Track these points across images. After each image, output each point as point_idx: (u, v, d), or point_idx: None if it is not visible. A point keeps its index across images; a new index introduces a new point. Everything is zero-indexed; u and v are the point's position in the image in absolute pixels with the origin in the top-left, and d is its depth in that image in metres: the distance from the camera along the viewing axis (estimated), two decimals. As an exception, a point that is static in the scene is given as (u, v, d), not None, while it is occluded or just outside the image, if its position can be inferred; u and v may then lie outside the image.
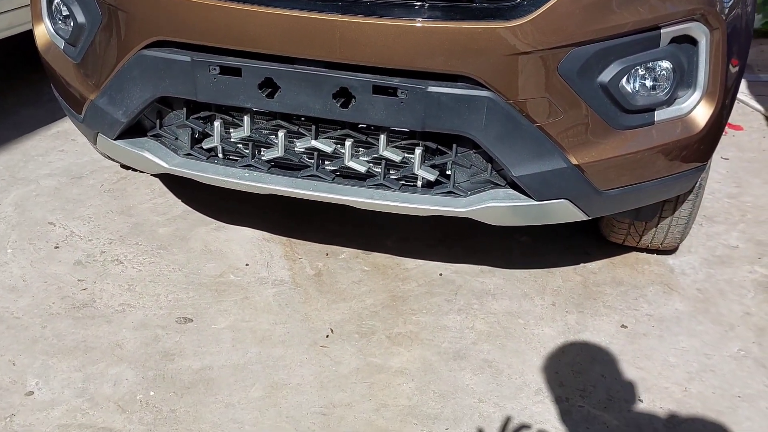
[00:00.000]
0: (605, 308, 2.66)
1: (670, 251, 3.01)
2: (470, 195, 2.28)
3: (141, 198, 3.18)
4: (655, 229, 2.80)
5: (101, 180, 3.30)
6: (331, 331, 2.46)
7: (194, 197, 3.16)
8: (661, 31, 2.09)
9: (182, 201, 3.17)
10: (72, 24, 2.42)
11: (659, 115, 2.22)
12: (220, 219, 3.06)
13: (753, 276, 2.90)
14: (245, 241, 2.93)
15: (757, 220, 3.34)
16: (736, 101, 5.22)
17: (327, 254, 2.88)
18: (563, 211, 2.27)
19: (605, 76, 2.09)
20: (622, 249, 3.01)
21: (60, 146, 3.64)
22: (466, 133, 2.12)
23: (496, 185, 2.27)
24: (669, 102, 2.21)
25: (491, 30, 1.99)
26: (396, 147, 2.27)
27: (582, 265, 2.93)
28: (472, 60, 2.02)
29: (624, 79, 2.13)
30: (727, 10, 2.18)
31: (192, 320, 2.47)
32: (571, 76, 2.06)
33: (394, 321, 2.52)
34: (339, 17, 2.03)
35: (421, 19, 2.01)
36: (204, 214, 3.09)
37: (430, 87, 2.06)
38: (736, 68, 2.35)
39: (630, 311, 2.65)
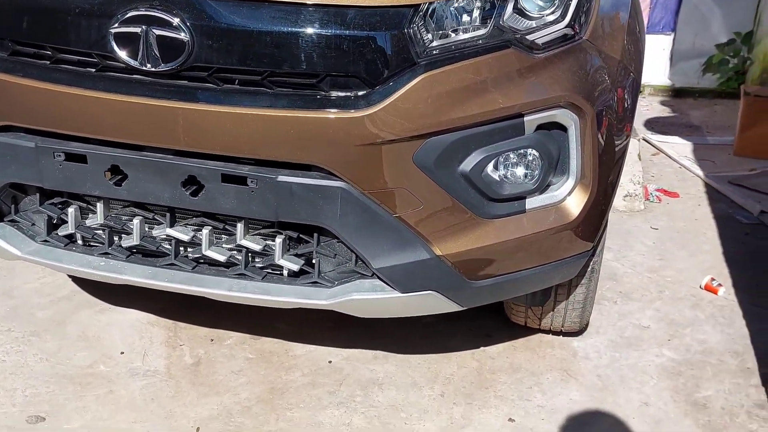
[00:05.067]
0: (496, 399, 2.53)
1: (576, 333, 2.89)
2: (337, 285, 2.16)
3: (28, 277, 3.05)
4: (552, 312, 2.69)
5: (-8, 257, 3.17)
6: (197, 430, 2.31)
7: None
8: (525, 119, 2.01)
9: (73, 280, 3.04)
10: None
11: (531, 203, 2.13)
12: (107, 300, 2.92)
13: (659, 360, 2.78)
14: (128, 325, 2.79)
15: (675, 297, 3.24)
16: (678, 166, 5.18)
17: (212, 340, 2.75)
18: (432, 303, 2.16)
19: (466, 165, 2.00)
20: (527, 330, 2.89)
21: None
22: (322, 224, 2.02)
23: (363, 276, 2.16)
24: (541, 189, 2.11)
25: (339, 120, 1.90)
26: (258, 235, 2.16)
27: (482, 348, 2.80)
28: (321, 150, 1.93)
29: (489, 168, 2.04)
30: (597, 94, 2.11)
31: (44, 419, 2.32)
32: (427, 166, 1.96)
33: (265, 417, 2.38)
34: (180, 104, 1.93)
35: (265, 108, 1.91)
36: (92, 294, 2.96)
37: (280, 176, 1.97)
38: (618, 150, 2.27)
39: (521, 402, 2.52)
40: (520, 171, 2.09)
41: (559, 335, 2.89)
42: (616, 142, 2.25)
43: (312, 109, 1.91)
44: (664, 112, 6.59)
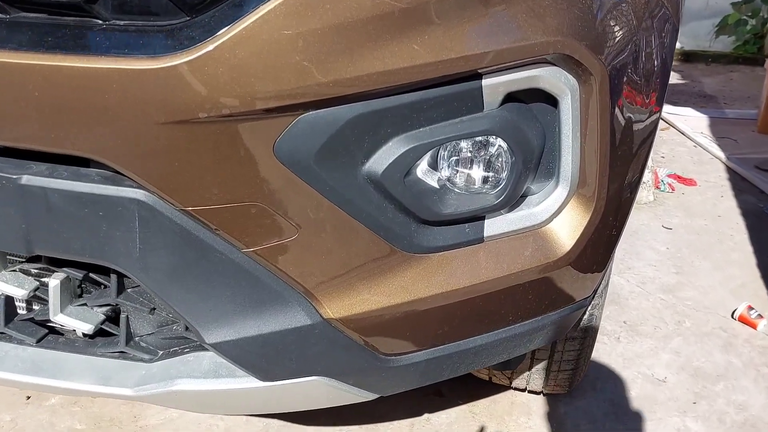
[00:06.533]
0: None
1: (561, 392, 2.02)
2: (159, 359, 1.27)
3: None
4: (528, 372, 1.81)
5: None
6: None
7: None
8: (483, 82, 1.10)
9: None
10: None
11: (493, 226, 1.24)
12: None
13: (682, 438, 1.92)
14: None
15: (699, 331, 2.37)
16: (693, 145, 4.30)
17: (29, 398, 1.86)
18: (321, 394, 1.28)
19: (378, 162, 1.10)
20: (493, 387, 2.02)
21: None
22: (110, 264, 1.12)
23: (201, 346, 1.26)
24: (510, 204, 1.22)
25: (130, 73, 0.99)
26: (23, 271, 1.26)
27: (426, 417, 1.93)
28: (98, 130, 1.02)
29: (419, 168, 1.15)
30: (611, 42, 1.20)
31: None
32: (303, 163, 1.06)
33: None
34: None
35: (-13, 48, 1.00)
36: None
37: (26, 177, 1.06)
38: (641, 133, 1.37)
39: None
40: (475, 173, 1.20)
41: (538, 394, 2.02)
42: (640, 123, 1.35)
43: (78, 51, 1.00)
44: (673, 78, 5.68)
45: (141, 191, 1.06)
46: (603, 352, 2.23)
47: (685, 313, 2.47)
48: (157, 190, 1.05)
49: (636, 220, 3.15)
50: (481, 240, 1.23)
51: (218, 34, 0.98)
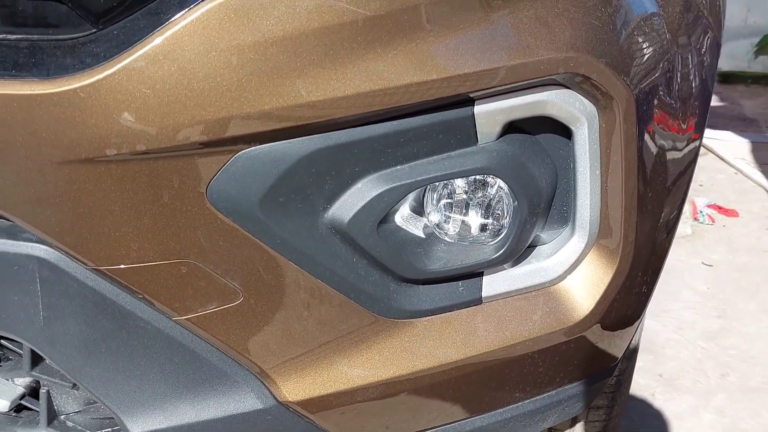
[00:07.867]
0: None
1: (589, 460, 1.76)
2: (89, 445, 1.05)
3: None
4: (546, 443, 1.56)
5: None
6: None
7: None
8: (475, 108, 0.88)
9: None
10: None
11: (492, 285, 1.01)
12: None
13: None
14: None
15: (746, 387, 2.10)
16: (734, 172, 4.02)
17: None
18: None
19: (344, 208, 0.88)
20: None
21: None
22: (9, 334, 0.92)
23: (138, 428, 1.04)
24: (512, 257, 0.99)
25: (12, 99, 0.79)
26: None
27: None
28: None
29: (399, 214, 0.94)
30: (638, 61, 0.97)
31: None
32: (246, 212, 0.85)
33: None
34: None
35: None
36: None
37: None
38: (677, 165, 1.14)
39: None
40: (470, 220, 0.97)
41: (560, 460, 1.76)
42: (675, 154, 1.11)
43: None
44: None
45: (41, 246, 0.85)
46: (635, 411, 1.97)
47: (730, 365, 2.20)
48: (61, 245, 0.84)
49: (672, 255, 2.87)
50: (478, 301, 1.00)
51: (130, 49, 0.77)
